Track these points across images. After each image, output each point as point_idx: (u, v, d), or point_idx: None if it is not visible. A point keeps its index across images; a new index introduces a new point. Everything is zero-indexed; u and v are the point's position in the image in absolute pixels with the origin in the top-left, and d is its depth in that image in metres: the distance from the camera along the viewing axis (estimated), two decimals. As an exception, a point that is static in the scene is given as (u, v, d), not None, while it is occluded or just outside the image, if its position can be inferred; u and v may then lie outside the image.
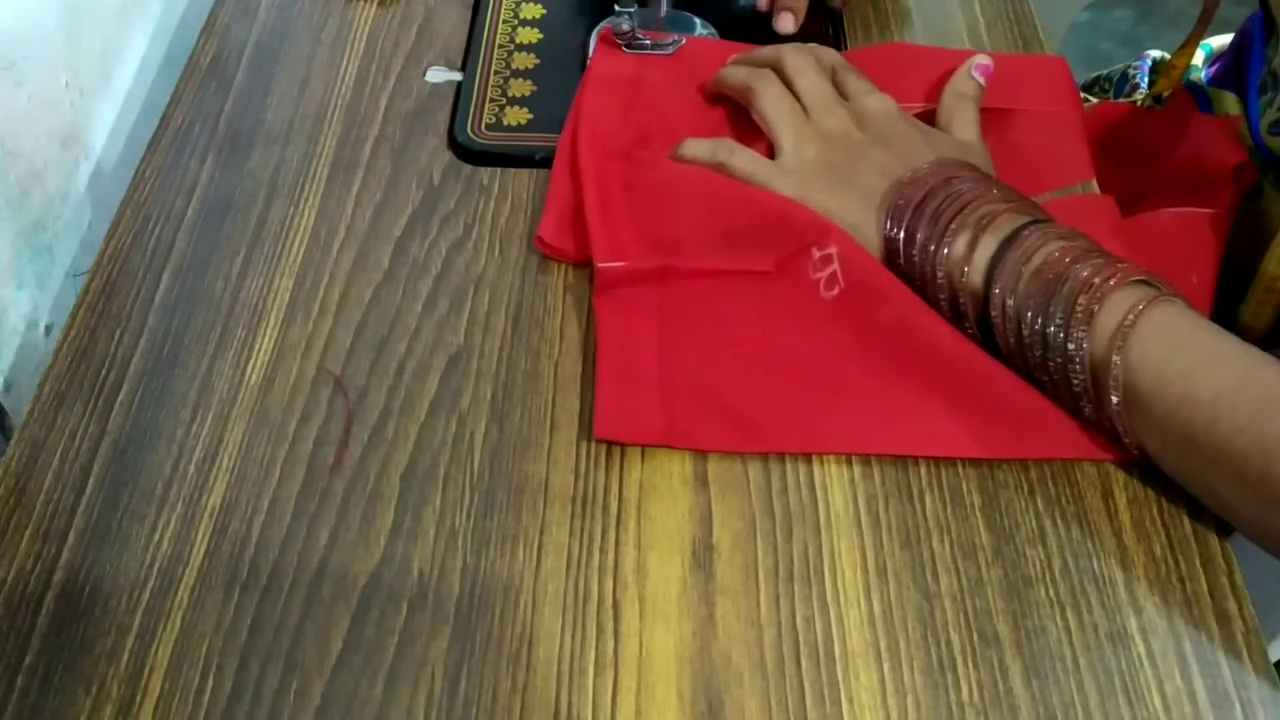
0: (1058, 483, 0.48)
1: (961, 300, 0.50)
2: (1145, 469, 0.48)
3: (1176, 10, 1.88)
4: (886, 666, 0.43)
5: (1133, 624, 0.44)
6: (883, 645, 0.44)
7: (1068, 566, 0.46)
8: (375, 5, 0.70)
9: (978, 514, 0.47)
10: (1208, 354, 0.45)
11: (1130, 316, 0.46)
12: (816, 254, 0.52)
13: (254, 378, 0.52)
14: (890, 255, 0.52)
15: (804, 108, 0.58)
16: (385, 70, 0.66)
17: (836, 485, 0.48)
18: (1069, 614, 0.44)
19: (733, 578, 0.45)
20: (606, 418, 0.49)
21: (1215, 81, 0.68)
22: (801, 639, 0.44)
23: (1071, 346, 0.46)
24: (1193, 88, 0.70)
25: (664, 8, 0.66)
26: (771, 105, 0.58)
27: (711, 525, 0.47)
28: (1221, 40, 0.72)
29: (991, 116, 0.61)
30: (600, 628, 0.44)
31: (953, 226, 0.50)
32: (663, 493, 0.48)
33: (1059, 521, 0.47)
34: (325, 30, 0.69)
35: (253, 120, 0.64)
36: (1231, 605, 0.45)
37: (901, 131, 0.56)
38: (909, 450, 0.49)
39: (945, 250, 0.50)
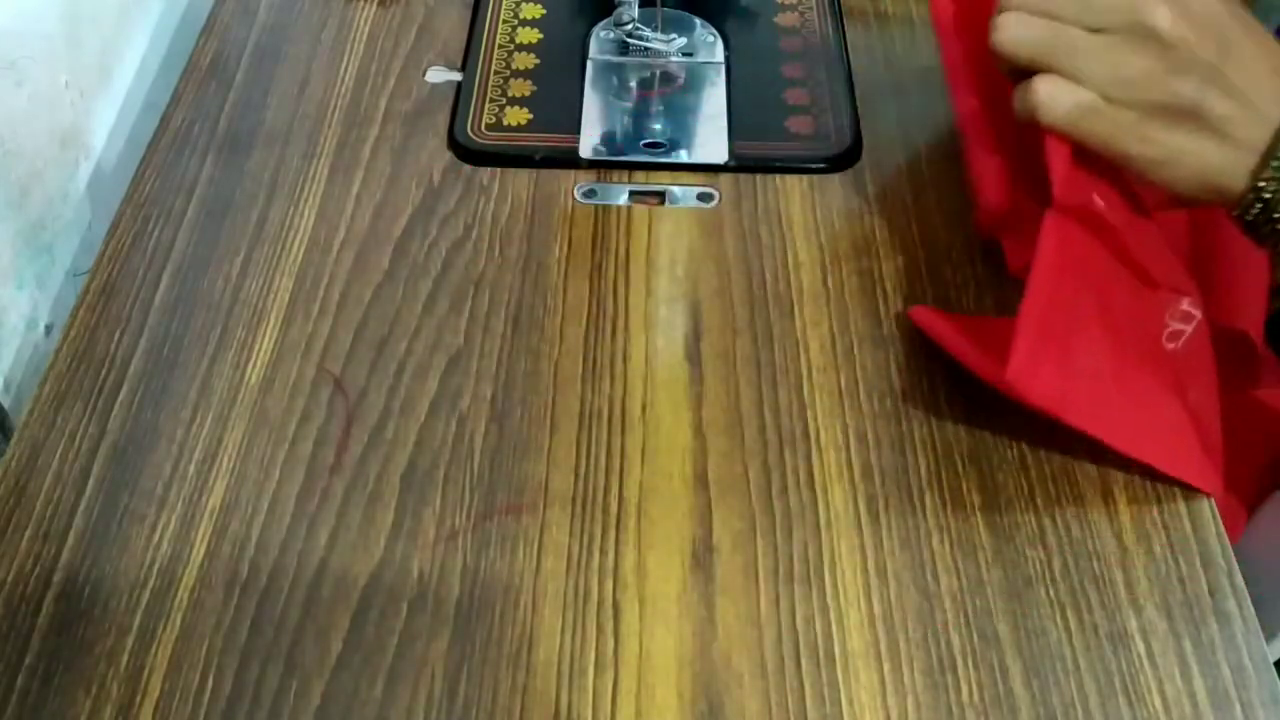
0: (1058, 483, 0.48)
1: None
2: (1145, 469, 0.48)
3: (1177, 9, 1.87)
4: (887, 667, 0.43)
5: (1133, 624, 0.44)
6: (883, 645, 0.44)
7: (1068, 566, 0.46)
8: (375, 5, 0.70)
9: (978, 514, 0.47)
10: None
11: None
12: (1183, 304, 0.50)
13: (254, 378, 0.52)
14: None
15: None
16: (385, 70, 0.66)
17: (836, 485, 0.48)
18: (1069, 614, 0.44)
19: (733, 578, 0.45)
20: (1020, 365, 0.45)
21: None
22: (802, 639, 0.44)
23: None
24: None
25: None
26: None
27: (711, 525, 0.47)
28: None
29: None
30: (600, 628, 0.44)
31: None
32: (663, 493, 0.48)
33: (1059, 521, 0.47)
34: (325, 30, 0.69)
35: (253, 120, 0.64)
36: (1231, 605, 0.45)
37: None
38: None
39: None
